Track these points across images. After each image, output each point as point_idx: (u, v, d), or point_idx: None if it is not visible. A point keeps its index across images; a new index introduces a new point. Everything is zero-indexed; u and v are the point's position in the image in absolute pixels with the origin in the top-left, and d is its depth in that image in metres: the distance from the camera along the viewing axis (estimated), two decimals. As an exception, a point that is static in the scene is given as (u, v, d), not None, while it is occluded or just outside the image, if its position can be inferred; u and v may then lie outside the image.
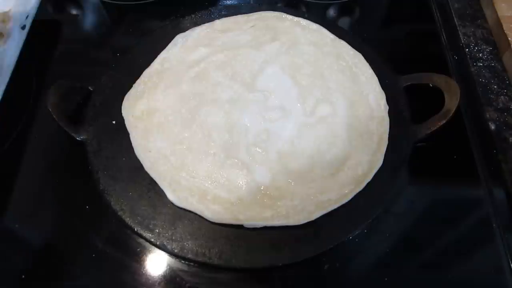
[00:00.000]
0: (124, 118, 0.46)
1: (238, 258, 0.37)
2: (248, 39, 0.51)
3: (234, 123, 0.44)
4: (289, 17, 0.53)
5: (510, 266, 0.38)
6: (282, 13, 0.53)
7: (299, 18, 0.53)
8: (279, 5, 0.59)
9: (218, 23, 0.53)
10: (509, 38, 0.52)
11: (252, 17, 0.53)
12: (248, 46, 0.50)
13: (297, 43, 0.50)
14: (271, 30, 0.52)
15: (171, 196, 0.40)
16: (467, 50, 0.55)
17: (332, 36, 0.51)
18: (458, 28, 0.57)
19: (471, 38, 0.56)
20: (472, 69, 0.52)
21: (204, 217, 0.39)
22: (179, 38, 0.52)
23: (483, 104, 0.49)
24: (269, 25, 0.52)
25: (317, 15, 0.57)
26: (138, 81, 0.48)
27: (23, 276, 0.38)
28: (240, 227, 0.38)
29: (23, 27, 0.52)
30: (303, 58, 0.49)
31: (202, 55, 0.49)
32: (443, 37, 0.56)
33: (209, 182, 0.40)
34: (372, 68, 0.48)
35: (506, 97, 0.50)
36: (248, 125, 0.43)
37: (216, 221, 0.38)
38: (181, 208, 0.39)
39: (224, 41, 0.51)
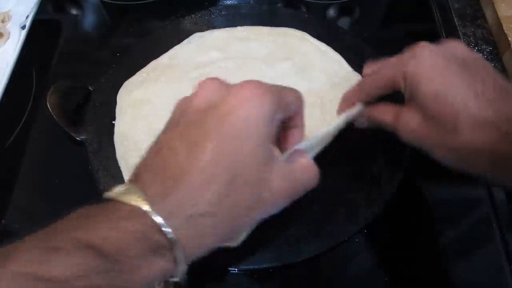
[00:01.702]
0: (117, 102, 0.46)
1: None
2: (263, 52, 0.50)
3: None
4: (311, 39, 0.51)
5: (510, 266, 0.38)
6: (305, 33, 0.52)
7: (321, 43, 0.51)
8: (279, 5, 0.59)
9: (240, 30, 0.52)
10: (509, 38, 0.52)
11: (275, 31, 0.52)
12: (260, 59, 0.49)
13: (309, 68, 0.49)
14: (289, 48, 0.50)
15: None
16: (467, 50, 0.54)
17: (349, 68, 0.49)
18: (458, 28, 0.57)
19: (471, 38, 0.56)
20: (472, 69, 0.52)
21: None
22: (195, 37, 0.52)
23: (483, 104, 0.49)
24: (287, 43, 0.51)
25: (317, 15, 0.57)
26: (141, 70, 0.49)
27: (23, 276, 0.38)
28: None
29: (23, 27, 0.52)
30: (310, 84, 0.47)
31: (212, 58, 0.49)
32: (443, 37, 0.56)
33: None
34: (372, 68, 0.48)
35: (506, 97, 0.50)
36: None
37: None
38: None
39: (238, 49, 0.50)
